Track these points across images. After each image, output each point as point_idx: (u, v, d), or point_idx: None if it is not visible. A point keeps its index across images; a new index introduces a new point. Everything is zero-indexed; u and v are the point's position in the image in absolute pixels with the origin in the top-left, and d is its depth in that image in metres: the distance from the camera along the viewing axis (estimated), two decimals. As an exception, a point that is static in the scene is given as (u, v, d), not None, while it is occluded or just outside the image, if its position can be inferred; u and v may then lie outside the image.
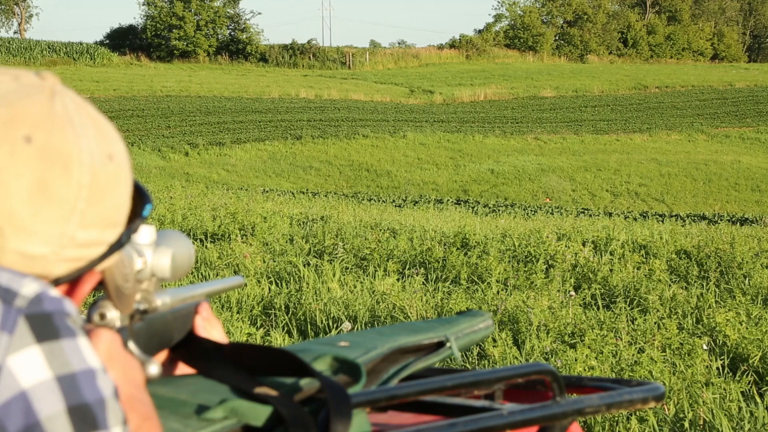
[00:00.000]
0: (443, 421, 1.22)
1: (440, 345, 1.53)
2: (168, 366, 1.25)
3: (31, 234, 0.86)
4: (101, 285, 1.00)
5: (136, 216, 0.98)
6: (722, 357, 5.91)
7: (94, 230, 0.90)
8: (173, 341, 1.19)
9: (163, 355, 1.24)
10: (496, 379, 1.30)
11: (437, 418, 1.35)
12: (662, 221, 17.66)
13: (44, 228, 0.86)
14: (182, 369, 1.25)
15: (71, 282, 0.94)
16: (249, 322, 6.81)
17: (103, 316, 1.03)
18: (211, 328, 1.26)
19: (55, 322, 0.83)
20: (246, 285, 7.68)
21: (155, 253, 1.07)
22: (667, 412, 4.75)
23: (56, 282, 0.90)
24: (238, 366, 1.18)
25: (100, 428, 0.83)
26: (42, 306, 0.83)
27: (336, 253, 9.55)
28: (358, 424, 1.20)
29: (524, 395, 1.51)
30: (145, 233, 1.07)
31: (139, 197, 0.99)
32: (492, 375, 1.30)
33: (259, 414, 1.12)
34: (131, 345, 1.04)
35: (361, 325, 6.73)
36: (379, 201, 23.82)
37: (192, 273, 8.51)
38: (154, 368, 1.05)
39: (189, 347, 1.21)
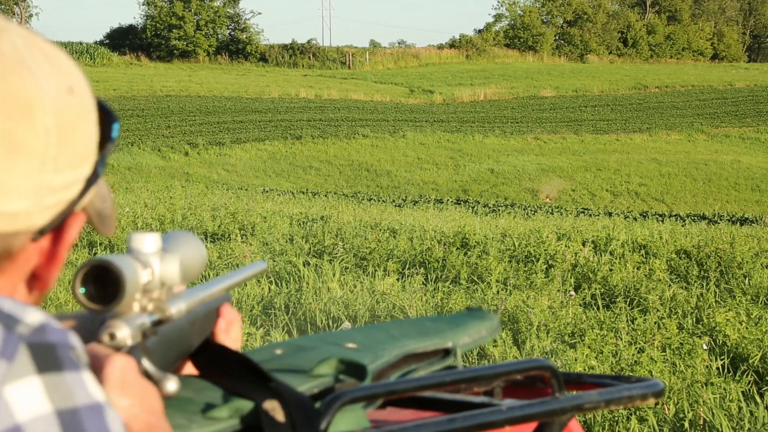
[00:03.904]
0: (442, 417, 1.22)
1: (446, 351, 1.55)
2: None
3: (7, 192, 0.80)
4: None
5: (106, 140, 0.91)
6: (722, 357, 5.91)
7: (69, 171, 0.84)
8: (193, 347, 1.14)
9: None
10: (495, 375, 1.30)
11: (436, 415, 1.35)
12: (662, 221, 17.66)
13: (19, 183, 0.80)
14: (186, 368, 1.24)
15: (56, 230, 0.87)
16: (249, 322, 6.82)
17: (113, 336, 0.95)
18: (232, 331, 1.22)
19: (59, 354, 0.76)
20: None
21: (162, 262, 1.00)
22: (667, 412, 4.75)
23: (41, 232, 0.84)
24: (246, 373, 1.15)
25: None
26: (45, 335, 0.77)
27: (336, 253, 9.55)
28: (355, 420, 1.20)
29: (524, 392, 1.51)
30: (150, 242, 1.00)
31: (105, 117, 0.91)
32: (491, 371, 1.30)
33: None
34: (145, 363, 0.96)
35: (361, 326, 6.73)
36: (379, 201, 23.82)
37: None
38: (172, 385, 0.97)
39: (201, 355, 1.16)
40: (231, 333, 1.22)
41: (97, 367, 0.88)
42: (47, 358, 0.76)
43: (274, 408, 1.11)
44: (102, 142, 0.90)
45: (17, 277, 0.84)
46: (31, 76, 0.80)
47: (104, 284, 0.92)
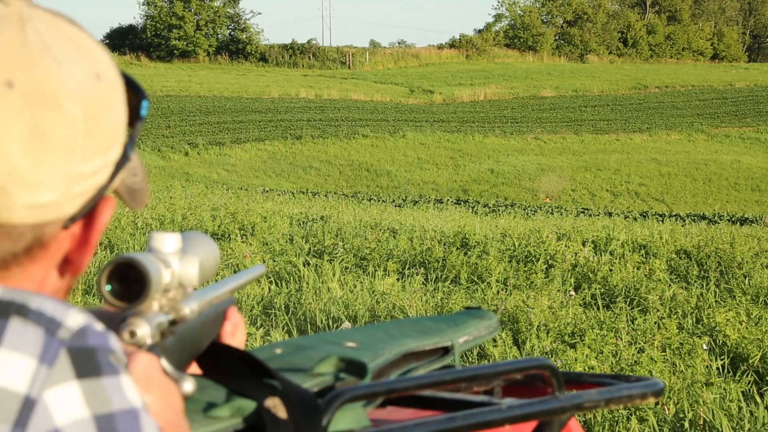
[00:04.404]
0: (442, 416, 1.22)
1: (445, 350, 1.55)
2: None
3: (36, 185, 0.79)
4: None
5: (135, 119, 0.89)
6: (722, 357, 5.92)
7: (98, 157, 0.83)
8: (203, 349, 1.14)
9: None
10: (495, 374, 1.30)
11: (436, 414, 1.35)
12: (662, 221, 17.67)
13: (48, 175, 0.79)
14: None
15: (87, 215, 0.86)
16: (249, 322, 6.82)
17: (133, 334, 0.95)
18: (237, 334, 1.22)
19: (98, 358, 0.78)
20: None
21: (182, 262, 1.00)
22: (667, 412, 4.75)
23: (72, 219, 0.83)
24: (247, 372, 1.15)
25: None
26: (86, 340, 0.78)
27: (336, 253, 9.55)
28: (355, 418, 1.20)
29: (523, 391, 1.51)
30: (171, 241, 0.99)
31: (133, 95, 0.89)
32: (491, 369, 1.30)
33: None
34: (164, 363, 0.97)
35: (361, 326, 6.72)
36: (379, 201, 23.82)
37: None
38: (189, 385, 0.98)
39: (206, 355, 1.16)
40: (236, 336, 1.22)
41: None
42: (86, 363, 0.77)
43: (275, 406, 1.12)
44: (131, 121, 0.89)
45: (49, 264, 0.85)
46: (56, 65, 0.80)
47: (128, 282, 0.93)
